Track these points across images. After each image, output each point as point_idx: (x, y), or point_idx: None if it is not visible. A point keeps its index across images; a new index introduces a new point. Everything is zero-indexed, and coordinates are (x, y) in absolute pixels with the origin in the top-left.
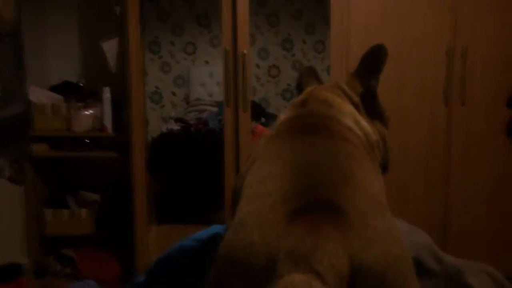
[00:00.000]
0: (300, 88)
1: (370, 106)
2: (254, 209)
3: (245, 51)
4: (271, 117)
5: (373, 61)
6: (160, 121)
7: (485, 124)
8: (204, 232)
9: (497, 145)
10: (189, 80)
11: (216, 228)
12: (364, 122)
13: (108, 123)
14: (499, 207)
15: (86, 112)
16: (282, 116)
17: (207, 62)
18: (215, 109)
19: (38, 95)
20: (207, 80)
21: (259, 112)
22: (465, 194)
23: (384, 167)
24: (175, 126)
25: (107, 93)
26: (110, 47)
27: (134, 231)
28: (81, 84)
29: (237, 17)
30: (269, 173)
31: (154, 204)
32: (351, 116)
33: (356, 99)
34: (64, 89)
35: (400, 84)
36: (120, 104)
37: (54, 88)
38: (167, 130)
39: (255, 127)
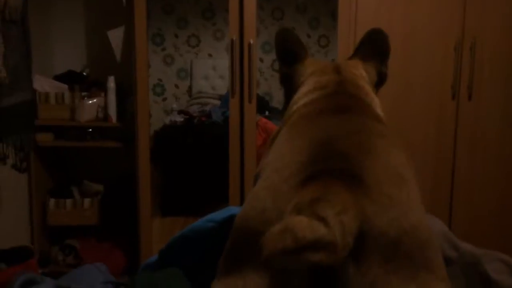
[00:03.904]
0: (287, 56)
1: (376, 91)
2: (270, 183)
3: (251, 41)
4: (275, 111)
5: (384, 47)
6: (163, 113)
7: (492, 118)
8: (219, 213)
9: (504, 140)
10: (192, 73)
11: (231, 210)
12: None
13: (112, 112)
14: (505, 201)
15: (91, 102)
16: (304, 99)
17: (210, 55)
18: (217, 102)
19: (43, 84)
20: (210, 73)
21: (263, 106)
22: (471, 187)
23: None
24: (179, 118)
25: (111, 83)
26: (115, 36)
27: (138, 222)
28: (85, 74)
29: (244, 7)
30: (289, 149)
31: (158, 196)
32: (380, 108)
33: (372, 87)
34: (68, 78)
35: (408, 77)
36: (125, 94)
37: (58, 77)
38: (171, 122)
39: (259, 120)
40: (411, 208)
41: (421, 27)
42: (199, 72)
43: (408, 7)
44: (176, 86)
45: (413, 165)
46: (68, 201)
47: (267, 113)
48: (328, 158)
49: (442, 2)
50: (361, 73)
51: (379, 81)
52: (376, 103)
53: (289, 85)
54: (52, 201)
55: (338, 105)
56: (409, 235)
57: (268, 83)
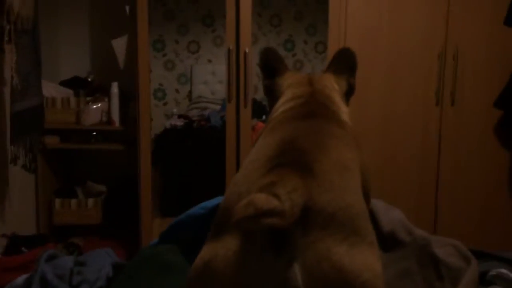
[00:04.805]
0: (270, 71)
1: (347, 100)
2: (246, 172)
3: (247, 50)
4: None
5: (353, 63)
6: (163, 118)
7: (474, 123)
8: (210, 202)
9: (485, 143)
10: (192, 78)
11: (220, 199)
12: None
13: (115, 117)
14: (488, 201)
15: (95, 106)
16: (282, 107)
17: (210, 60)
18: (217, 106)
19: (49, 89)
20: (209, 78)
21: (261, 110)
22: (455, 189)
23: None
24: (179, 122)
25: (115, 88)
26: (119, 45)
27: (139, 222)
28: (90, 79)
29: (240, 18)
30: (263, 146)
31: (158, 197)
32: (346, 115)
33: (342, 96)
34: (74, 83)
35: (394, 84)
36: (128, 99)
37: (64, 83)
38: (171, 125)
39: (256, 124)
40: (347, 192)
41: (406, 36)
42: (199, 77)
43: (394, 17)
44: (177, 90)
45: (365, 161)
46: (73, 201)
47: (263, 117)
48: (289, 152)
49: (427, 12)
50: (332, 85)
51: (349, 91)
52: (343, 110)
53: (272, 95)
54: (57, 201)
55: (307, 112)
56: (343, 211)
57: None
